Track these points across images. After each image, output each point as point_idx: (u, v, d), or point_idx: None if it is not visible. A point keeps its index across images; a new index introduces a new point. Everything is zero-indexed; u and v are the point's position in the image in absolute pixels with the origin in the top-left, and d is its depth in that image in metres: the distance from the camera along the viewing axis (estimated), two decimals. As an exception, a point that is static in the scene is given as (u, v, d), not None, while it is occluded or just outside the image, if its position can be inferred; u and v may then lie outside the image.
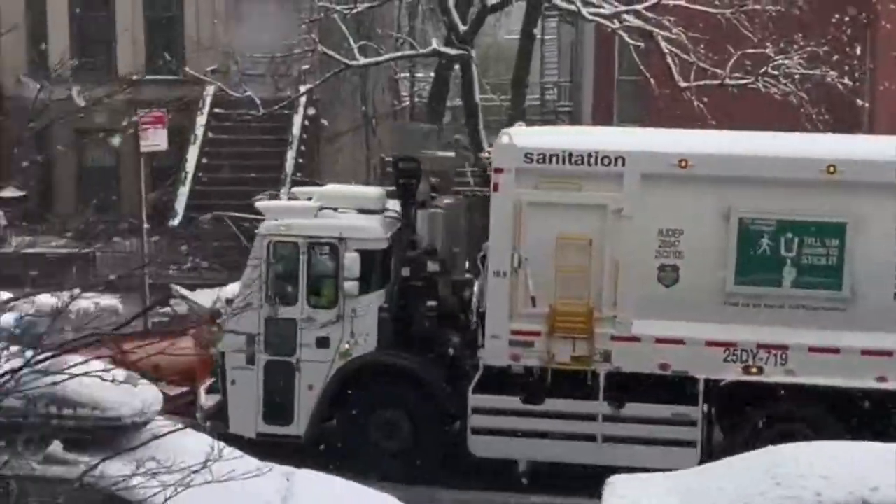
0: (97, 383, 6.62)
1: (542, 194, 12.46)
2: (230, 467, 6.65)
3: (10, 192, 23.12)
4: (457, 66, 23.02)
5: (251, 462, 8.14)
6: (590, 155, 12.37)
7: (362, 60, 20.76)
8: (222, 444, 7.11)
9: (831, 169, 12.01)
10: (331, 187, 14.91)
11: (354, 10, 20.82)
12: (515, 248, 12.34)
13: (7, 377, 5.53)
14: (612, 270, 12.20)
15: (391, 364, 13.00)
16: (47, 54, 23.90)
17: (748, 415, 12.41)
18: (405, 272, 13.10)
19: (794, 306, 12.17)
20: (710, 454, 11.87)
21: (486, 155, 13.96)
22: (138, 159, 19.42)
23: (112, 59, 25.71)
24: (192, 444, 7.48)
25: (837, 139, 14.15)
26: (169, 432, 6.93)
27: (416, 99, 33.79)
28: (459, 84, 22.83)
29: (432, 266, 13.15)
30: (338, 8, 20.67)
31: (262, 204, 14.19)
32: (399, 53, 24.69)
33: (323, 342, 12.84)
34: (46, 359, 5.79)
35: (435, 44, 21.89)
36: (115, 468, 6.49)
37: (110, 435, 7.63)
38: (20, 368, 5.66)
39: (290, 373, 12.89)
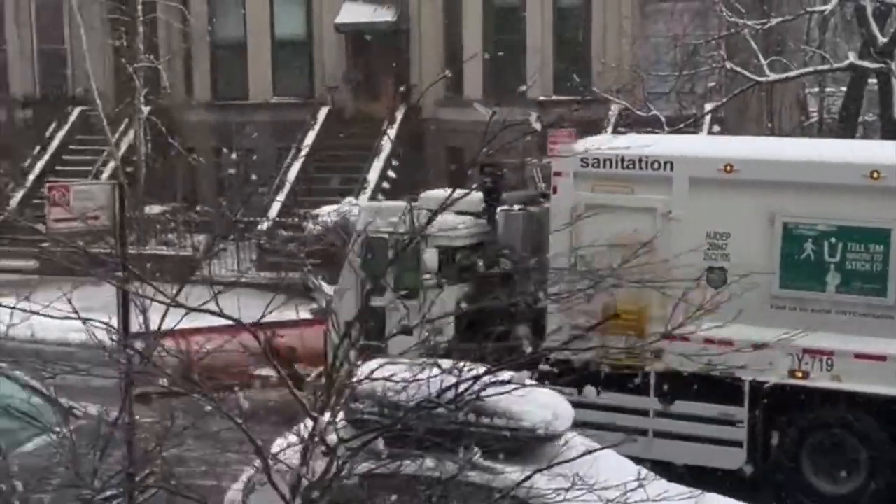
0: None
1: (598, 197, 12.82)
2: (661, 488, 6.54)
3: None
4: (872, 80, 21.92)
5: (668, 484, 8.01)
6: (640, 159, 12.88)
7: (772, 77, 20.23)
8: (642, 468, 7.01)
9: (875, 174, 11.85)
10: (437, 192, 14.24)
11: (767, 25, 20.33)
12: (572, 247, 12.16)
13: (468, 388, 5.66)
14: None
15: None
16: (462, 78, 25.26)
17: (793, 419, 12.24)
18: (480, 267, 13.34)
19: (839, 311, 12.01)
20: (759, 455, 12.08)
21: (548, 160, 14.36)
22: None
23: (521, 80, 26.55)
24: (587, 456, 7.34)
25: (881, 145, 13.82)
26: (597, 449, 6.83)
27: (826, 115, 32.37)
28: (872, 99, 21.69)
29: (505, 262, 13.52)
30: (749, 23, 20.26)
31: (363, 204, 15.26)
32: (812, 68, 23.81)
33: (406, 330, 12.10)
34: (497, 370, 5.88)
35: (851, 57, 20.92)
36: (542, 481, 6.54)
37: (523, 446, 7.76)
38: (476, 379, 5.77)
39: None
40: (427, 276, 13.48)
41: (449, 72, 20.83)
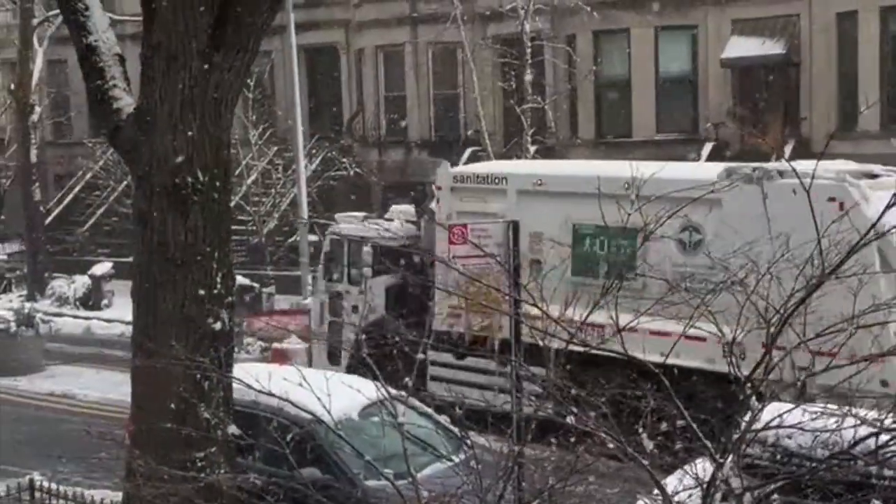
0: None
1: (464, 205, 16.85)
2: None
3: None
4: None
5: None
6: (487, 176, 17.12)
7: None
8: None
9: (626, 186, 12.96)
10: (405, 206, 19.94)
11: None
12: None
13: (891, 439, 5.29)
14: None
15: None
16: (856, 111, 24.06)
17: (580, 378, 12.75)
18: (402, 262, 17.69)
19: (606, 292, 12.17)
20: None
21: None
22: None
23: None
24: None
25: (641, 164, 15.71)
26: None
27: None
28: None
29: (418, 258, 17.71)
30: None
31: (340, 216, 19.89)
32: None
33: (355, 309, 18.01)
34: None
35: None
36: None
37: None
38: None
39: (340, 330, 18.07)
40: (366, 268, 18.01)
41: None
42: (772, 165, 15.15)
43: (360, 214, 20.24)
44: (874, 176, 14.57)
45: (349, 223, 19.11)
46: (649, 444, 5.23)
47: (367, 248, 17.94)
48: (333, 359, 18.13)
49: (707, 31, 28.05)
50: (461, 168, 18.27)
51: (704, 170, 16.29)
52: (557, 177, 16.45)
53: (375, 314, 17.63)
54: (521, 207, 15.84)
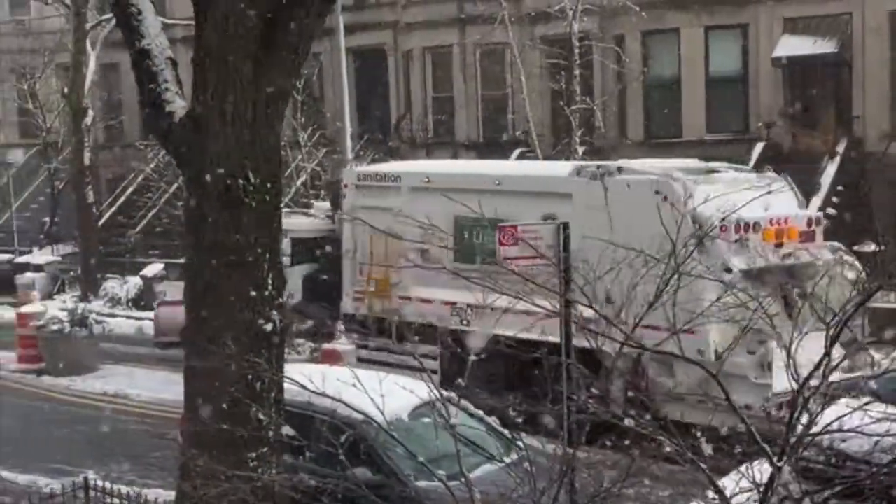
0: None
1: (366, 201, 18.47)
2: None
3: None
4: None
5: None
6: (384, 175, 18.85)
7: None
8: None
9: (498, 182, 16.97)
10: (325, 203, 23.20)
11: None
12: (353, 236, 18.71)
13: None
14: (397, 253, 16.48)
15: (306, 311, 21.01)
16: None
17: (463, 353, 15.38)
18: (317, 253, 20.68)
19: (483, 278, 13.63)
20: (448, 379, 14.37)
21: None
22: None
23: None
24: None
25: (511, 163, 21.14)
26: None
27: None
28: None
29: (331, 251, 20.20)
30: None
31: None
32: None
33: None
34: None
35: None
36: None
37: None
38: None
39: None
40: (284, 258, 18.58)
41: None
42: (612, 163, 17.07)
43: (284, 210, 23.32)
44: (713, 171, 16.28)
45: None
46: (707, 448, 5.18)
47: (286, 240, 19.66)
48: None
49: (758, 29, 27.84)
50: (363, 168, 20.41)
51: (562, 167, 18.10)
52: (442, 174, 18.01)
53: (294, 300, 19.84)
54: (413, 202, 17.18)
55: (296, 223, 20.95)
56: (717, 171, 16.31)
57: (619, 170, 15.84)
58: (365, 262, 18.58)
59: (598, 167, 16.26)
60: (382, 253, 17.98)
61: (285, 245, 19.75)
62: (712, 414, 7.58)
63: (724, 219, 12.15)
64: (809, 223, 15.79)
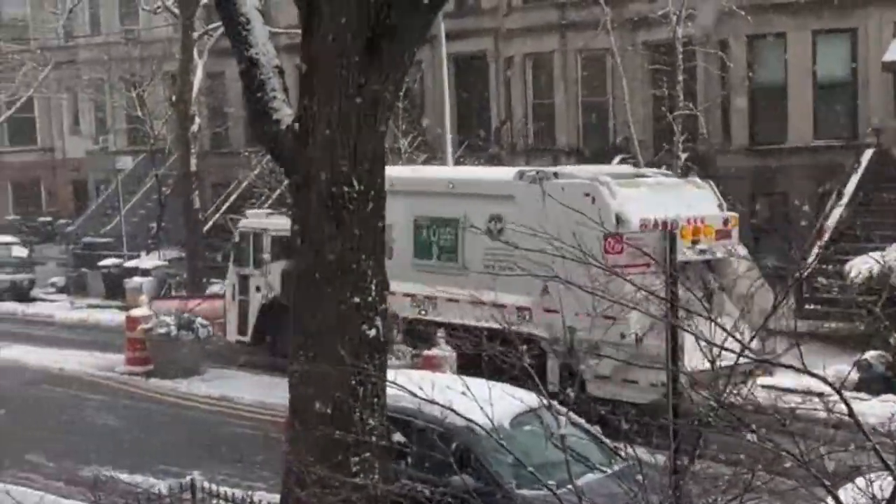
0: None
1: None
2: None
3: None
4: None
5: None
6: None
7: None
8: None
9: (451, 185, 19.16)
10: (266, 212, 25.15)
11: None
12: None
13: None
14: None
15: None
16: None
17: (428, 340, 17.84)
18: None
19: (440, 272, 18.18)
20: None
21: None
22: None
23: None
24: None
25: (463, 168, 23.59)
26: None
27: None
28: None
29: None
30: None
31: (249, 212, 24.75)
32: None
33: (258, 289, 22.30)
34: None
35: None
36: None
37: None
38: None
39: (247, 307, 22.59)
40: (266, 255, 22.04)
41: None
42: (550, 168, 19.45)
43: (266, 210, 25.55)
44: (639, 176, 18.57)
45: (257, 218, 23.70)
46: (831, 464, 5.05)
47: (266, 239, 22.03)
48: (242, 328, 22.65)
49: (867, 33, 27.15)
50: None
51: (506, 172, 19.55)
52: (403, 179, 18.70)
53: (273, 293, 21.52)
54: None
55: (275, 223, 22.33)
56: (643, 176, 18.64)
57: (556, 175, 17.84)
58: None
59: (538, 172, 18.13)
60: None
61: (266, 243, 22.11)
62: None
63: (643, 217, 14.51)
64: (726, 223, 17.67)
